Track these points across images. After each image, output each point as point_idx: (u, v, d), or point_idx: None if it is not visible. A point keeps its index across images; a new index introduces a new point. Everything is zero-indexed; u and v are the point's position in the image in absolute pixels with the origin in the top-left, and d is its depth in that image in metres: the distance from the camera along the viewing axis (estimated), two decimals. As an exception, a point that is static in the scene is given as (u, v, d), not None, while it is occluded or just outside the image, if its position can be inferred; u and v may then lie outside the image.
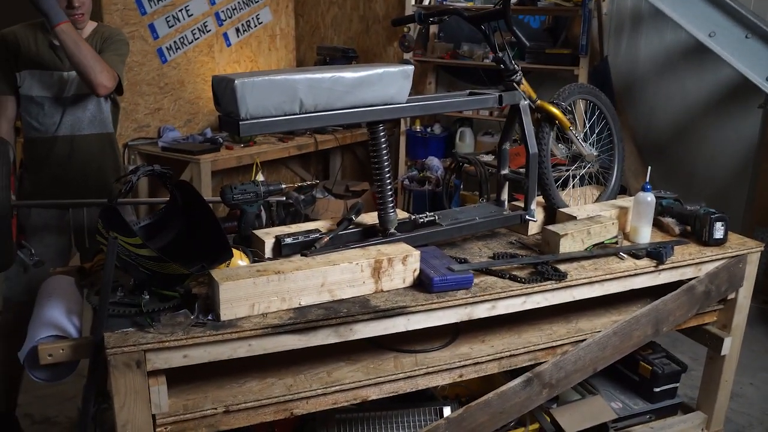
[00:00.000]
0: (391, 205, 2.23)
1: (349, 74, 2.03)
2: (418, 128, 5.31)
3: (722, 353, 2.63)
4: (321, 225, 2.33)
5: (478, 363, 2.15)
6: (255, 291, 1.85)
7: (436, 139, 5.19)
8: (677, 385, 2.79)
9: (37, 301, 2.06)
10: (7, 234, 2.14)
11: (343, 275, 1.96)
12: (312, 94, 1.97)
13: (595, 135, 2.79)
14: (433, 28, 5.39)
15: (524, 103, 2.47)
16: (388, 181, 2.22)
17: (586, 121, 2.75)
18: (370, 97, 2.08)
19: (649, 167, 2.63)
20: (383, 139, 2.20)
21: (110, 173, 2.94)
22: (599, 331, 2.30)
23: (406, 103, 2.18)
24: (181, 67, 4.94)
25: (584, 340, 2.27)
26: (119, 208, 1.97)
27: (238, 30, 5.32)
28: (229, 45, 5.27)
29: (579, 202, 2.77)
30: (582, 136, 2.71)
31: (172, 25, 4.85)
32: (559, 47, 4.85)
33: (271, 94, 1.91)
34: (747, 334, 2.73)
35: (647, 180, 2.54)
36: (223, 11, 5.18)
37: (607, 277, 2.26)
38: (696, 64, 4.58)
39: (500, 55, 2.44)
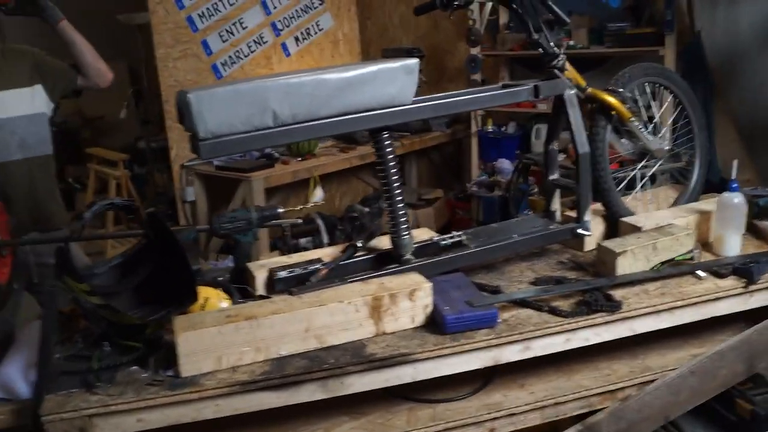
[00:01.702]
0: (405, 227, 1.88)
1: (333, 75, 1.71)
2: (490, 128, 4.89)
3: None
4: (329, 253, 2.00)
5: (513, 414, 1.76)
6: (222, 341, 1.55)
7: (510, 139, 4.75)
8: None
9: (7, 352, 1.86)
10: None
11: (334, 317, 1.63)
12: (288, 103, 1.65)
13: (667, 126, 2.32)
14: (503, 18, 4.95)
15: (570, 93, 2.06)
16: (399, 198, 1.87)
17: (655, 110, 2.27)
18: (364, 100, 1.75)
19: (735, 161, 2.13)
20: (389, 149, 1.85)
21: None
22: (672, 370, 1.84)
23: (413, 103, 1.82)
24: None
25: (652, 381, 1.82)
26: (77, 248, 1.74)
27: (297, 39, 5.10)
28: (288, 55, 5.05)
29: (650, 207, 2.30)
30: (651, 127, 2.25)
31: (226, 40, 4.68)
32: (642, 26, 4.30)
33: (237, 107, 1.61)
34: None
35: (733, 176, 2.05)
36: (280, 21, 4.97)
37: (678, 303, 1.81)
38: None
39: (536, 37, 2.04)
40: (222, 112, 1.60)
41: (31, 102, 2.52)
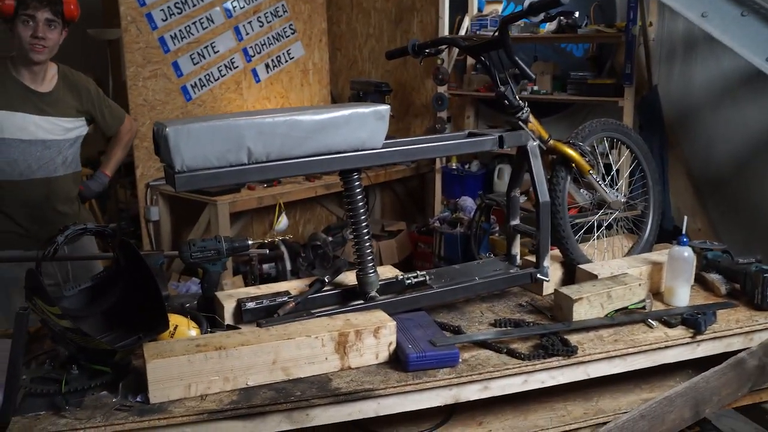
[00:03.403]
0: (371, 264, 1.93)
1: (307, 117, 1.77)
2: (454, 165, 5.00)
3: (781, 438, 2.20)
4: (296, 286, 2.05)
5: (470, 452, 1.81)
6: (191, 369, 1.58)
7: (473, 177, 4.86)
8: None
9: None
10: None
11: (300, 351, 1.67)
12: (262, 142, 1.71)
13: (624, 179, 2.43)
14: (470, 60, 5.10)
15: (532, 144, 2.15)
16: (366, 237, 1.93)
17: (613, 163, 2.39)
18: (336, 142, 1.81)
19: (686, 217, 2.25)
20: (358, 189, 1.91)
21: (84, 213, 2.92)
22: (624, 413, 1.92)
23: (383, 147, 1.89)
24: (206, 105, 4.79)
25: (605, 423, 1.90)
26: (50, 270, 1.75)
27: (267, 66, 5.15)
28: (258, 81, 5.10)
29: (606, 255, 2.40)
30: (608, 179, 2.36)
31: (197, 63, 4.71)
32: (603, 77, 4.48)
33: (212, 143, 1.66)
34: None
35: (683, 231, 2.16)
36: (251, 47, 5.02)
37: (630, 350, 1.89)
38: (758, 91, 4.11)
39: (502, 89, 2.13)
40: (198, 147, 1.65)
41: (75, 127, 2.76)
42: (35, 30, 2.48)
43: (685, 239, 2.13)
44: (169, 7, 4.51)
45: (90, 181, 2.98)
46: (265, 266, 3.64)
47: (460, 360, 1.76)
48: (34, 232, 2.69)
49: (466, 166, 5.02)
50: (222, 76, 4.87)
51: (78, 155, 2.87)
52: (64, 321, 1.58)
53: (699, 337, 1.96)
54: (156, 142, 1.70)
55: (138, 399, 1.57)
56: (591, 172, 2.25)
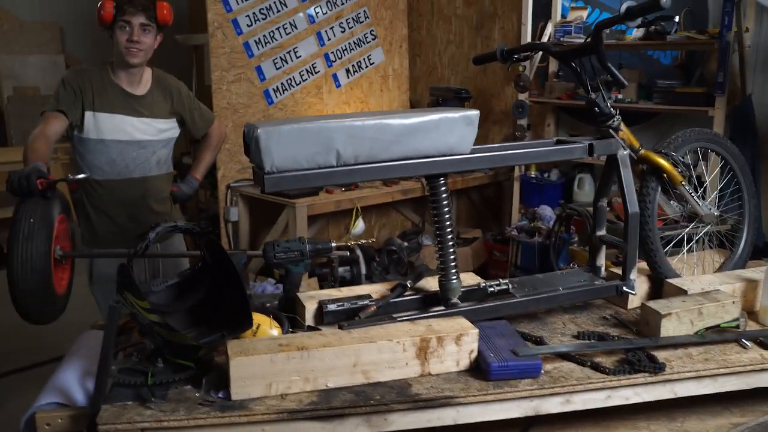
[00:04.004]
0: (454, 271, 1.92)
1: (397, 121, 1.76)
2: (533, 173, 4.91)
3: None
4: (377, 290, 2.05)
5: (549, 467, 1.77)
6: (273, 369, 1.59)
7: (552, 186, 4.77)
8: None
9: (64, 358, 1.93)
10: (45, 287, 2.02)
11: (382, 355, 1.66)
12: (352, 145, 1.72)
13: (716, 191, 2.33)
14: (553, 67, 5.01)
15: (623, 153, 2.09)
16: (450, 243, 1.91)
17: (705, 175, 2.29)
18: (424, 147, 1.80)
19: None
20: (444, 195, 1.90)
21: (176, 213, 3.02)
22: (712, 437, 1.84)
23: (471, 153, 1.87)
24: (288, 109, 4.87)
25: (691, 445, 1.83)
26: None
27: (348, 71, 5.21)
28: (338, 86, 5.16)
29: (696, 270, 2.31)
30: (700, 191, 2.27)
31: (280, 67, 4.81)
32: (692, 86, 4.32)
33: (303, 145, 1.68)
34: None
35: (782, 247, 2.05)
36: (332, 52, 5.09)
37: (722, 371, 1.81)
38: None
39: (593, 96, 2.08)
40: (288, 148, 1.67)
41: (168, 129, 2.86)
42: (131, 34, 2.59)
43: (783, 256, 2.02)
44: (254, 12, 4.61)
45: (182, 184, 3.07)
46: (340, 269, 3.66)
47: (543, 371, 1.72)
48: (130, 230, 2.79)
49: (546, 175, 4.93)
50: (303, 81, 4.95)
51: (170, 156, 2.97)
52: (152, 315, 1.63)
53: (798, 360, 1.86)
54: (246, 143, 1.73)
55: (220, 395, 1.59)
56: (683, 183, 2.17)
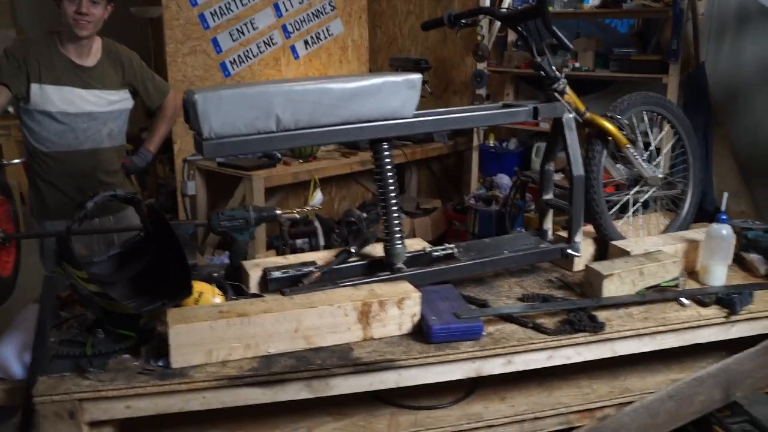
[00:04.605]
0: (398, 236, 1.92)
1: (338, 85, 1.75)
2: (492, 143, 4.93)
3: (821, 425, 2.12)
4: (323, 256, 2.04)
5: (492, 426, 1.80)
6: (213, 336, 1.59)
7: (510, 155, 4.79)
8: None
9: (4, 334, 1.90)
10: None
11: (323, 320, 1.66)
12: (291, 109, 1.70)
13: (663, 154, 2.36)
14: (511, 36, 5.01)
15: (568, 117, 2.10)
16: (394, 208, 1.91)
17: (652, 138, 2.32)
18: (367, 111, 1.79)
19: (725, 194, 2.18)
20: (388, 159, 1.89)
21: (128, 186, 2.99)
22: (651, 393, 1.88)
23: (414, 117, 1.86)
24: (245, 81, 4.81)
25: (631, 402, 1.86)
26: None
27: (306, 42, 5.14)
28: (297, 58, 5.10)
29: (642, 232, 2.34)
30: (646, 155, 2.29)
31: (236, 39, 4.73)
32: (648, 54, 4.35)
33: (241, 110, 1.66)
34: None
35: (722, 208, 2.09)
36: (290, 23, 5.01)
37: (660, 329, 1.85)
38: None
39: (539, 60, 2.08)
40: (227, 113, 1.64)
41: (119, 100, 2.80)
42: (79, 6, 2.52)
43: (723, 217, 2.06)
44: (209, -17, 4.53)
45: (134, 156, 3.02)
46: (299, 241, 3.64)
47: (485, 333, 1.74)
48: (81, 202, 2.75)
49: (504, 144, 4.95)
50: (261, 53, 4.88)
51: (123, 129, 2.92)
52: (91, 285, 1.61)
53: (733, 318, 1.91)
54: (186, 109, 1.70)
55: (160, 363, 1.58)
56: (628, 146, 2.18)
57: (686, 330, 1.88)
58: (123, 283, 1.84)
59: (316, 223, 4.10)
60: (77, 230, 1.74)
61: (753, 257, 2.20)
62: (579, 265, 2.17)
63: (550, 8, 4.53)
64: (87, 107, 2.68)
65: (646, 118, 2.34)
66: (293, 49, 5.08)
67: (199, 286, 1.78)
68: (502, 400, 1.85)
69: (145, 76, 2.88)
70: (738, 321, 1.92)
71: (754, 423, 2.30)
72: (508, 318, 1.82)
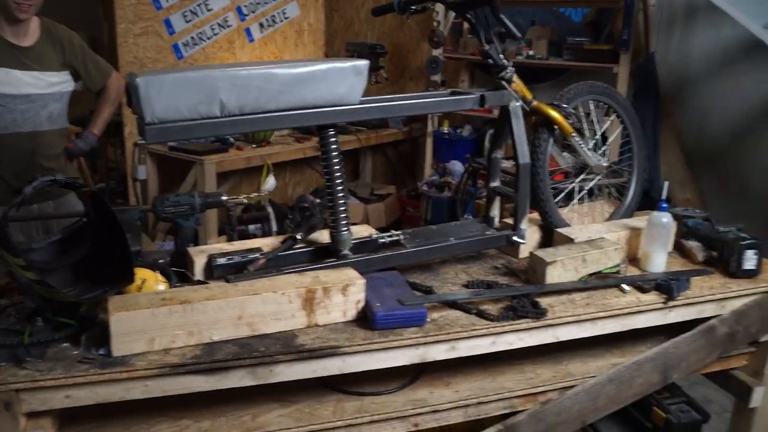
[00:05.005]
0: (344, 222, 1.92)
1: (283, 70, 1.73)
2: (446, 129, 4.96)
3: (751, 405, 2.20)
4: (270, 243, 2.04)
5: (437, 411, 1.81)
6: (155, 323, 1.57)
7: (464, 142, 4.83)
8: (696, 438, 2.37)
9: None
10: None
11: (267, 307, 1.66)
12: (236, 94, 1.68)
13: (608, 143, 2.40)
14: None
15: (515, 105, 2.12)
16: (341, 194, 1.91)
17: (597, 127, 2.35)
18: (312, 97, 1.78)
19: (666, 183, 2.23)
20: (334, 146, 1.88)
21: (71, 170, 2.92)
22: (593, 377, 1.92)
23: (360, 103, 1.86)
24: (198, 63, 4.74)
25: (573, 386, 1.90)
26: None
27: (261, 25, 5.10)
28: (251, 41, 5.05)
29: (587, 220, 2.38)
30: (592, 143, 2.33)
31: (190, 20, 4.66)
32: (601, 43, 4.41)
33: (184, 94, 1.63)
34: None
35: (663, 197, 2.14)
36: (245, 5, 4.96)
37: (601, 314, 1.89)
38: (756, 61, 4.05)
39: (487, 48, 2.09)
40: (170, 98, 1.62)
41: (60, 82, 2.74)
42: None
43: (664, 205, 2.11)
44: (161, -38, 4.44)
45: (78, 140, 2.96)
46: (251, 227, 3.61)
47: (429, 320, 1.75)
48: (19, 187, 2.68)
49: (458, 130, 4.98)
50: (215, 35, 4.83)
51: (65, 112, 2.84)
52: (29, 273, 1.57)
53: (671, 303, 1.96)
54: (128, 93, 1.67)
55: (101, 352, 1.56)
56: (573, 134, 2.22)
57: (626, 316, 1.92)
58: (64, 270, 1.80)
59: (269, 209, 4.08)
60: (15, 216, 1.70)
61: (692, 245, 2.25)
62: (524, 252, 2.20)
63: None
64: (25, 89, 2.61)
65: (592, 107, 2.37)
66: (248, 31, 5.03)
67: (142, 272, 1.76)
68: (447, 386, 1.87)
69: (87, 58, 2.82)
70: (675, 306, 1.97)
71: (690, 404, 2.38)
72: (452, 305, 1.84)
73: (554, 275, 1.96)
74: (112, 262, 1.71)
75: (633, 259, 2.19)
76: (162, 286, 1.78)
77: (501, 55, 2.11)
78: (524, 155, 2.11)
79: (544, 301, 1.89)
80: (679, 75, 4.40)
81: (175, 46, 4.62)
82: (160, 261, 2.01)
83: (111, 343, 1.55)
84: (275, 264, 1.90)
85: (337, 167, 1.89)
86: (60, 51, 2.70)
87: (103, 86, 2.93)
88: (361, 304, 1.75)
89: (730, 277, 2.11)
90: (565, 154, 2.35)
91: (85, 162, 5.17)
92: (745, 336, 2.09)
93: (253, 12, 5.02)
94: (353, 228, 2.00)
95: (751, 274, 2.10)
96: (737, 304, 2.06)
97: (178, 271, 1.89)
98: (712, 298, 2.02)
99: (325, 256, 1.95)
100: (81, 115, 6.53)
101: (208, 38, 4.79)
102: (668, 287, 1.96)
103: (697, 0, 4.24)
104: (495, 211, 2.26)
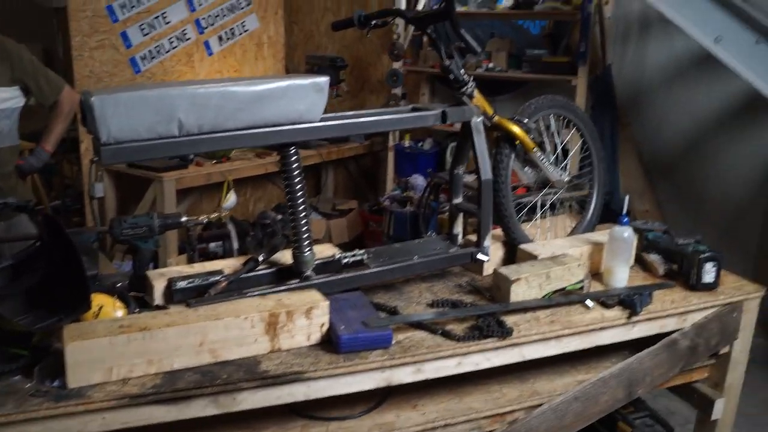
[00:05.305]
0: (307, 243, 1.89)
1: (242, 88, 1.70)
2: (407, 143, 4.96)
3: (713, 417, 2.22)
4: (231, 264, 1.99)
5: (404, 435, 1.79)
6: (113, 352, 1.52)
7: (426, 156, 4.83)
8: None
9: None
10: None
11: (229, 332, 1.62)
12: (195, 113, 1.64)
13: (569, 157, 2.42)
14: (427, 36, 5.04)
15: (476, 120, 2.11)
16: (302, 214, 1.88)
17: (558, 141, 2.37)
18: (272, 115, 1.75)
19: (627, 196, 2.25)
20: (295, 164, 1.86)
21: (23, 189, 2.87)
22: (560, 395, 1.92)
23: (321, 121, 1.83)
24: (156, 77, 4.66)
25: (540, 405, 1.90)
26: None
27: (220, 38, 5.03)
28: (210, 54, 4.98)
29: (549, 235, 2.39)
30: (553, 158, 2.34)
31: (147, 33, 4.58)
32: (559, 55, 4.47)
33: (141, 114, 1.59)
34: (747, 395, 2.32)
35: (625, 211, 2.15)
36: (204, 18, 4.89)
37: (566, 332, 1.89)
38: (708, 73, 4.15)
39: (447, 63, 2.08)
40: (126, 117, 1.57)
41: (9, 98, 2.67)
42: None
43: (625, 219, 2.12)
44: (117, -26, 4.36)
45: (30, 157, 2.87)
46: (212, 245, 3.56)
47: (394, 341, 1.73)
48: None
49: (420, 144, 4.98)
50: (173, 48, 4.75)
51: (15, 128, 2.76)
52: (-23, 301, 1.51)
53: (634, 318, 1.97)
54: (83, 112, 1.62)
55: (55, 384, 1.50)
56: (535, 149, 2.22)
57: (590, 332, 1.92)
58: (15, 297, 1.73)
59: (230, 226, 4.02)
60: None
61: (653, 258, 2.27)
62: (489, 269, 2.19)
63: (465, 8, 4.59)
64: None
65: (553, 121, 2.39)
66: (207, 44, 4.97)
67: (99, 298, 1.71)
68: (414, 408, 1.85)
69: (37, 72, 2.74)
70: (638, 321, 1.99)
71: (654, 417, 2.41)
72: (417, 325, 1.82)
73: (519, 293, 1.95)
74: (68, 287, 1.66)
75: (596, 274, 2.20)
76: (120, 312, 1.73)
77: (462, 71, 2.10)
78: (486, 171, 2.11)
79: (509, 320, 1.88)
80: (635, 87, 4.48)
81: (133, 59, 4.53)
82: (118, 285, 1.96)
83: (66, 374, 1.49)
84: (237, 286, 1.85)
85: (299, 186, 1.86)
86: (8, 66, 2.62)
87: (55, 101, 2.85)
88: (326, 327, 1.72)
89: (690, 290, 2.13)
90: (526, 169, 2.35)
91: (39, 179, 5.04)
92: (705, 349, 2.12)
93: (211, 25, 4.96)
94: (316, 247, 1.97)
95: (710, 287, 2.13)
96: (698, 317, 2.08)
97: (137, 296, 1.84)
98: (673, 312, 2.04)
99: (287, 277, 1.92)
100: (35, 129, 6.38)
101: (167, 51, 4.71)
102: (631, 302, 1.97)
103: (651, 13, 4.32)
104: (458, 228, 2.25)
